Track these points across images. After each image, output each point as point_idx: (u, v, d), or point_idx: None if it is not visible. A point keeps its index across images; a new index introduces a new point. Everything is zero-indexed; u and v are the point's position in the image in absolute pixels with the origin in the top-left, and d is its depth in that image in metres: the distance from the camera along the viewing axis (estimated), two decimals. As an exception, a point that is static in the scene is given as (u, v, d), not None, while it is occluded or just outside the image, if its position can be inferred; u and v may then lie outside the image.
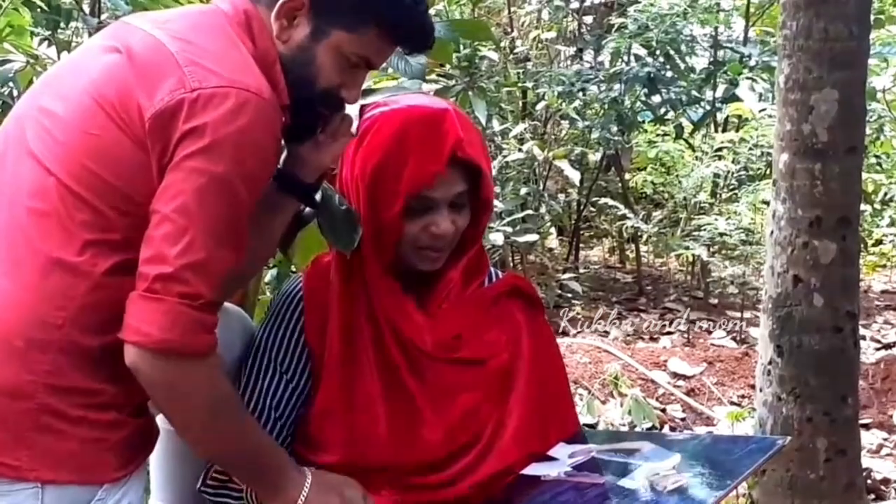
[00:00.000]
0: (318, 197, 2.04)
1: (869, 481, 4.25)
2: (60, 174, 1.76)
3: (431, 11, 2.01)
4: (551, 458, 2.11)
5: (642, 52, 7.48)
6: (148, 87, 1.75)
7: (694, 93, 7.50)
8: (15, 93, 4.04)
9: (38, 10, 4.40)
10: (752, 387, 4.33)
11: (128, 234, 1.76)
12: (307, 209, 2.07)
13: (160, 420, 2.06)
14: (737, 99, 7.14)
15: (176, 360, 1.74)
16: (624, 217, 7.17)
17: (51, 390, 1.74)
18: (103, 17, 5.08)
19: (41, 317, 1.74)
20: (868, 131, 7.30)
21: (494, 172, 6.40)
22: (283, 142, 1.92)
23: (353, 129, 2.04)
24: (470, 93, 5.78)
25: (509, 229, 6.34)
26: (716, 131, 7.70)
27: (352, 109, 2.01)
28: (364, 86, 2.05)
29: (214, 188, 1.72)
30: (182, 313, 1.72)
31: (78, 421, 1.76)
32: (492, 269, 2.27)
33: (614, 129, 7.39)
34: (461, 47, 6.18)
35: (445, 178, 2.02)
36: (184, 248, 1.71)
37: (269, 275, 2.70)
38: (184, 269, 1.71)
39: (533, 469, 2.08)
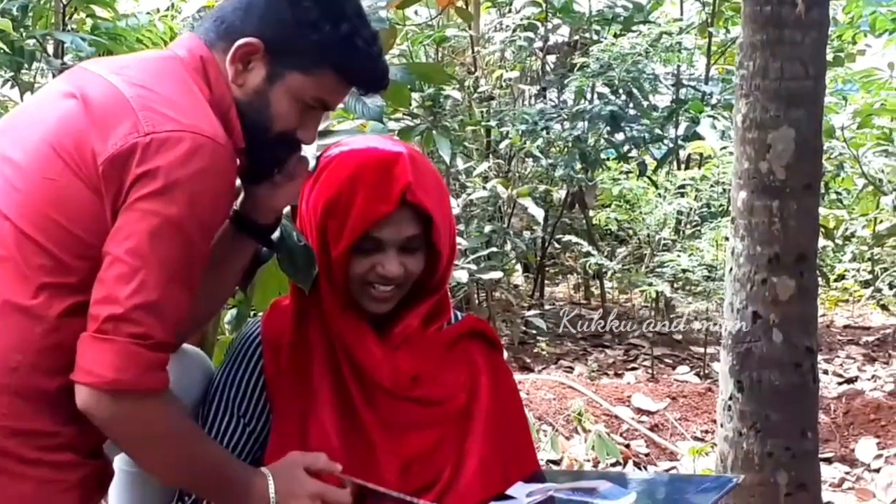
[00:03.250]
0: (275, 236, 2.06)
1: (831, 515, 4.29)
2: (17, 220, 1.77)
3: (395, 51, 2.05)
4: (509, 497, 2.11)
5: (605, 90, 7.55)
6: (102, 132, 1.76)
7: (657, 131, 7.57)
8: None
9: (1, 51, 4.41)
10: (716, 422, 4.35)
11: (84, 277, 1.77)
12: (264, 249, 2.09)
13: (119, 461, 2.07)
14: (698, 137, 7.21)
15: (129, 399, 1.76)
16: (588, 254, 7.19)
17: (8, 433, 1.75)
18: (66, 58, 5.10)
19: None
20: (829, 168, 7.40)
21: (458, 210, 6.42)
22: (239, 183, 1.94)
23: (311, 167, 2.06)
24: (434, 132, 5.81)
25: (474, 267, 6.36)
26: (678, 169, 7.76)
27: (308, 150, 2.03)
28: (324, 126, 2.08)
29: (167, 230, 1.74)
30: (134, 353, 1.73)
31: (34, 462, 1.77)
32: (455, 311, 2.29)
33: (578, 166, 7.44)
34: (425, 87, 6.22)
35: (394, 220, 2.03)
36: (135, 289, 1.72)
37: (229, 315, 2.70)
38: (135, 310, 1.72)
39: None
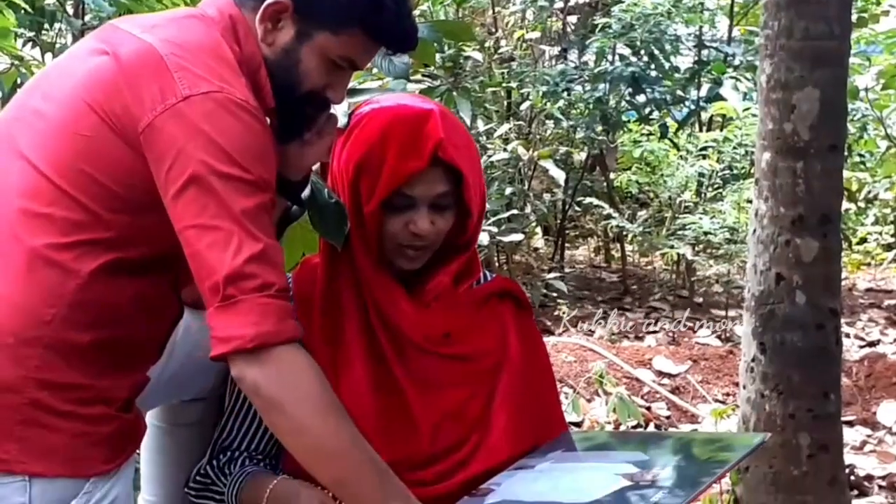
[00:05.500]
0: (305, 194, 2.06)
1: (852, 477, 4.28)
2: (52, 175, 1.78)
3: (416, 12, 2.03)
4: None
5: (626, 51, 7.52)
6: (138, 92, 1.77)
7: (678, 92, 7.53)
8: (0, 94, 4.05)
9: (23, 11, 4.40)
10: (737, 384, 4.35)
11: (119, 233, 1.79)
12: (294, 207, 2.09)
13: (151, 416, 2.07)
14: (721, 98, 7.17)
15: (274, 353, 1.76)
16: (609, 216, 7.19)
17: (40, 385, 1.75)
18: (87, 18, 5.10)
19: (31, 314, 1.75)
20: (852, 130, 7.36)
21: (479, 172, 6.41)
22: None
23: (341, 124, 2.06)
24: (454, 93, 5.79)
25: (494, 229, 6.37)
26: (700, 130, 7.73)
27: (338, 107, 2.03)
28: (349, 85, 2.07)
29: (233, 186, 1.74)
30: (263, 304, 1.75)
31: (67, 415, 1.78)
32: (484, 271, 2.29)
33: (599, 128, 7.42)
34: (445, 48, 6.19)
35: (426, 177, 2.03)
36: (237, 246, 1.73)
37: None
38: (246, 264, 1.73)
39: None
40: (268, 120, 1.87)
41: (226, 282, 1.73)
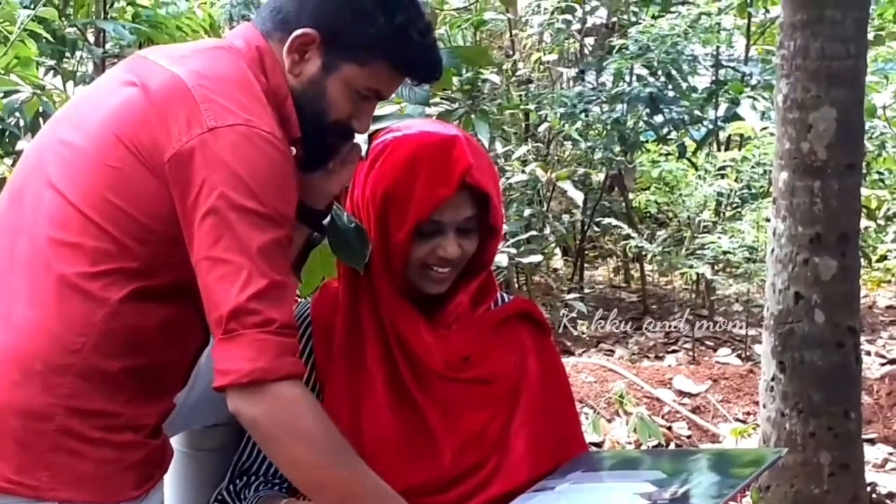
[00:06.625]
0: (326, 221, 2.08)
1: (874, 495, 4.27)
2: (81, 205, 1.80)
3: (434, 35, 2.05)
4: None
5: (644, 72, 7.50)
6: (165, 123, 1.79)
7: (696, 112, 7.51)
8: (22, 123, 4.09)
9: (44, 40, 4.45)
10: (757, 403, 4.35)
11: (146, 263, 1.81)
12: (316, 233, 2.12)
13: (175, 442, 2.09)
14: (738, 118, 7.16)
15: (270, 389, 1.76)
16: (628, 237, 7.18)
17: (70, 412, 1.78)
18: (108, 46, 5.16)
19: (61, 342, 1.78)
20: (870, 148, 7.33)
21: (498, 194, 6.42)
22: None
23: (363, 153, 2.08)
24: (472, 115, 5.82)
25: (514, 250, 6.36)
26: (718, 150, 7.72)
27: (360, 136, 2.05)
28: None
29: (248, 220, 1.76)
30: (262, 340, 1.75)
31: (96, 442, 1.80)
32: (501, 292, 2.31)
33: (617, 149, 7.41)
34: (463, 71, 6.22)
35: (454, 203, 2.06)
36: (244, 282, 1.74)
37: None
38: (250, 300, 1.74)
39: None
40: (293, 150, 1.89)
41: (229, 316, 1.75)
